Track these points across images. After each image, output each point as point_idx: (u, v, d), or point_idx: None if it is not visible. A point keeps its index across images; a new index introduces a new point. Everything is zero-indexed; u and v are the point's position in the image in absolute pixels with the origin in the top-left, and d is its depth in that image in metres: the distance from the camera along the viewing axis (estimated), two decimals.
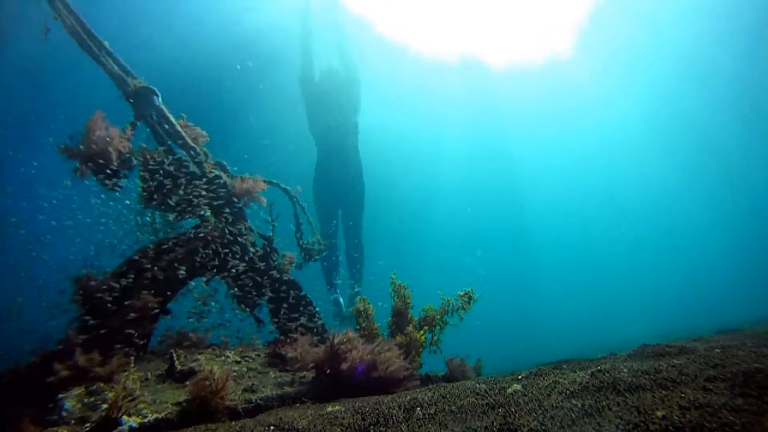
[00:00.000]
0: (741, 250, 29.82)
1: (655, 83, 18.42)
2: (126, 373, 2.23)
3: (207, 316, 3.62)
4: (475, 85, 18.29)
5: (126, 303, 2.99)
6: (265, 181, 3.87)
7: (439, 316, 3.40)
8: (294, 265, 3.92)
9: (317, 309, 3.92)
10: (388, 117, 19.44)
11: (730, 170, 23.51)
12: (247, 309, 3.73)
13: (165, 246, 3.36)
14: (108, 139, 3.16)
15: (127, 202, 3.46)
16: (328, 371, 2.71)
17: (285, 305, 3.75)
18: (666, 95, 19.01)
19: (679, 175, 24.85)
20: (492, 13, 14.81)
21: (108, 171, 3.21)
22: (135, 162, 3.40)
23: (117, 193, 3.37)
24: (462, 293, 3.37)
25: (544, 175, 25.35)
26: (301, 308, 3.79)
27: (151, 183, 3.41)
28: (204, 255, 3.47)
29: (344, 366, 2.66)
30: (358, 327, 3.33)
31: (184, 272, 3.35)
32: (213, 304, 3.66)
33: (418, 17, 15.09)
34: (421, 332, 3.33)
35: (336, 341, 2.75)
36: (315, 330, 3.72)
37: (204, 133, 3.74)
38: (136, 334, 2.96)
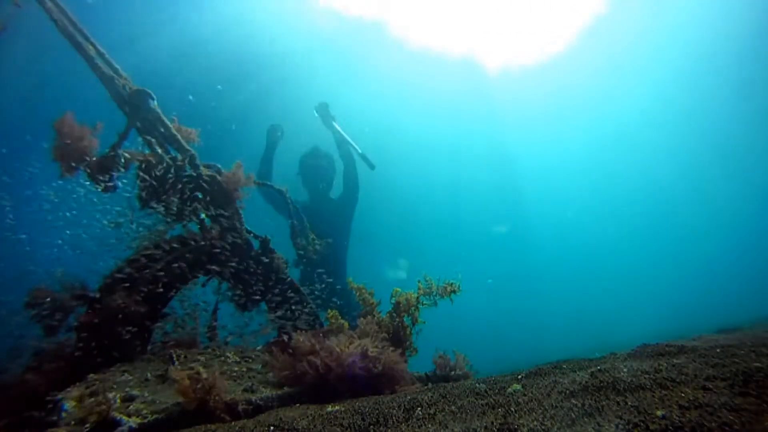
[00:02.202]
0: (741, 250, 29.83)
1: (657, 81, 18.37)
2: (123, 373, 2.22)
3: (204, 317, 3.62)
4: (476, 86, 18.32)
5: (123, 305, 2.99)
6: (256, 183, 3.86)
7: (415, 297, 3.23)
8: (288, 265, 3.92)
9: (315, 309, 3.92)
10: (389, 114, 19.46)
11: (730, 169, 23.52)
12: (245, 310, 3.73)
13: (161, 248, 3.36)
14: (77, 136, 3.18)
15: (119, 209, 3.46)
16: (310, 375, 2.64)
17: (282, 305, 3.75)
18: (667, 94, 18.99)
19: (679, 175, 24.86)
20: (491, 13, 14.81)
21: (96, 169, 3.24)
22: (125, 162, 3.41)
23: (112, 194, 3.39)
24: (447, 283, 3.22)
25: (543, 174, 25.37)
26: (298, 308, 3.79)
27: (147, 185, 3.41)
28: (201, 256, 3.47)
29: (317, 365, 2.58)
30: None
31: (180, 274, 3.34)
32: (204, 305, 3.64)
33: (419, 16, 15.10)
34: (385, 319, 3.20)
35: (298, 346, 2.70)
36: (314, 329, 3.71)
37: (195, 130, 3.73)
38: (133, 336, 2.96)
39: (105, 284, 3.12)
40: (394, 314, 3.24)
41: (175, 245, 3.41)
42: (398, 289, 3.26)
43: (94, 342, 2.83)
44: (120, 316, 2.94)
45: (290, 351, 2.79)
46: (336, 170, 6.96)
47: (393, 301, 3.27)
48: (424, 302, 3.25)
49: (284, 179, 6.99)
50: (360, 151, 6.64)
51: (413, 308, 3.23)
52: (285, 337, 3.27)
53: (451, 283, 3.23)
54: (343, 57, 16.37)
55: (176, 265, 3.33)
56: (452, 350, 3.52)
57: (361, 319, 3.15)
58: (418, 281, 3.26)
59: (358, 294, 3.33)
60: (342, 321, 3.19)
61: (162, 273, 3.24)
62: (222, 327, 3.74)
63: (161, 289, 3.23)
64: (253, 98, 16.55)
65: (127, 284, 3.10)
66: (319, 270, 5.07)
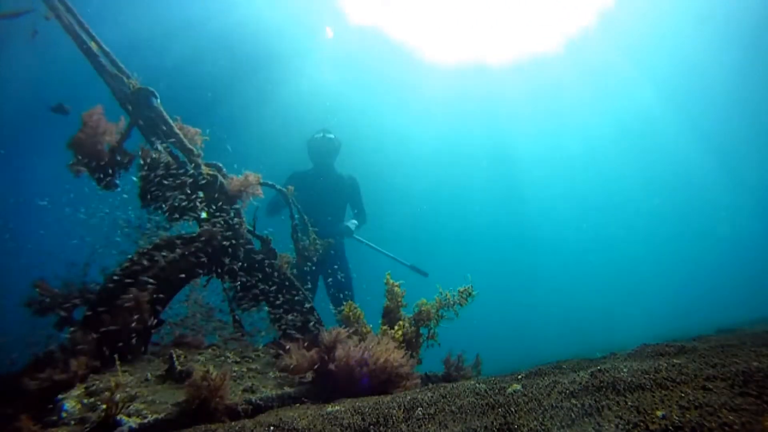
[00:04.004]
0: (741, 250, 29.83)
1: (660, 79, 18.33)
2: (121, 372, 2.22)
3: (206, 318, 3.62)
4: (476, 84, 18.32)
5: (123, 304, 2.98)
6: (262, 184, 3.87)
7: (434, 310, 3.34)
8: (290, 265, 3.93)
9: (315, 308, 3.92)
10: (390, 117, 19.51)
11: (730, 169, 23.53)
12: (246, 310, 3.73)
13: (162, 248, 3.36)
14: (100, 131, 3.18)
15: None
16: (323, 372, 2.70)
17: (284, 305, 3.75)
18: (670, 92, 18.96)
19: (679, 175, 24.87)
20: (491, 11, 14.78)
21: (100, 166, 3.23)
22: (130, 160, 3.42)
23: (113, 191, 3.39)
24: (462, 289, 3.32)
25: (544, 173, 25.37)
26: (299, 308, 3.79)
27: (149, 183, 3.41)
28: (202, 256, 3.47)
29: (334, 365, 2.64)
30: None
31: (181, 274, 3.34)
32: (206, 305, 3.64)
33: (417, 16, 15.09)
34: (404, 323, 3.29)
35: (326, 341, 2.75)
36: (312, 329, 3.71)
37: (199, 131, 3.73)
38: (134, 335, 2.96)
39: (107, 283, 3.12)
40: (413, 322, 3.36)
41: (177, 244, 3.41)
42: (424, 300, 3.40)
43: (96, 340, 2.83)
44: (122, 314, 2.94)
45: (308, 346, 2.86)
46: (341, 145, 7.25)
47: (416, 310, 3.39)
48: (444, 315, 3.36)
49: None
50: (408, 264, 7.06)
51: (432, 322, 3.35)
52: (299, 334, 3.34)
53: (465, 288, 3.33)
54: (340, 55, 16.36)
55: (182, 262, 3.32)
56: (476, 353, 3.67)
57: (384, 327, 3.26)
58: (436, 296, 3.36)
59: (389, 288, 3.41)
60: (359, 311, 3.26)
61: (163, 272, 3.23)
62: (226, 325, 3.73)
63: (162, 289, 3.22)
64: (254, 97, 16.63)
65: (130, 283, 3.10)
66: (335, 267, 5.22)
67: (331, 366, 2.65)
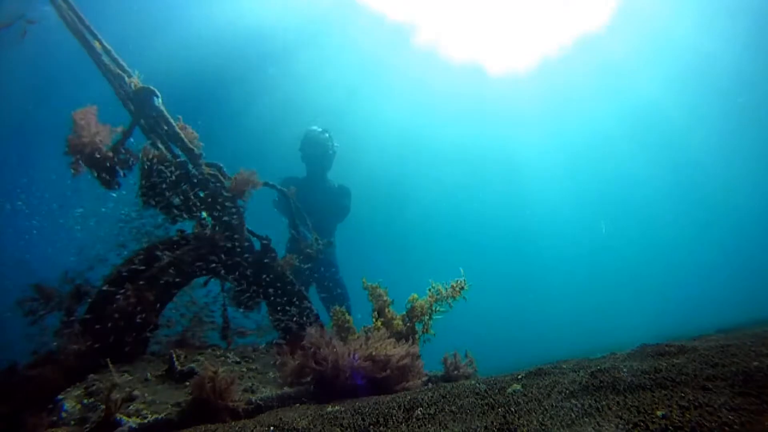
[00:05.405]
0: (741, 250, 29.83)
1: (658, 82, 18.40)
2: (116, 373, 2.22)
3: (206, 318, 3.61)
4: (481, 89, 18.41)
5: (124, 303, 2.98)
6: (261, 183, 3.88)
7: (428, 305, 3.29)
8: (291, 266, 3.93)
9: (315, 309, 3.92)
10: (396, 116, 19.52)
11: (729, 169, 23.54)
12: (247, 309, 3.73)
13: (162, 247, 3.36)
14: (93, 132, 3.16)
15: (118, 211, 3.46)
16: (309, 372, 2.67)
17: (283, 305, 3.75)
18: (668, 94, 19.01)
19: (678, 175, 24.87)
20: (495, 18, 14.81)
21: (100, 165, 3.23)
22: (132, 160, 3.42)
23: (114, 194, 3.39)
24: (454, 282, 3.26)
25: (544, 174, 25.38)
26: (297, 308, 3.79)
27: (151, 182, 3.41)
28: (202, 256, 3.46)
29: (319, 365, 2.61)
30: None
31: (181, 274, 3.34)
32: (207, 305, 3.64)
33: (430, 16, 15.07)
34: (397, 320, 3.24)
35: (311, 341, 2.72)
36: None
37: (196, 134, 3.73)
38: (133, 335, 2.96)
39: (106, 283, 3.12)
40: (407, 318, 3.31)
41: (176, 244, 3.41)
42: (415, 295, 3.33)
43: (97, 340, 2.83)
44: (123, 314, 2.94)
45: (302, 348, 2.83)
46: (336, 152, 7.14)
47: (408, 306, 3.33)
48: (438, 309, 3.30)
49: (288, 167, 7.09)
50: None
51: (426, 316, 3.28)
52: (294, 335, 3.30)
53: (458, 281, 3.27)
54: (355, 53, 16.33)
55: (177, 264, 3.32)
56: (465, 350, 3.58)
57: (376, 323, 3.20)
58: (429, 289, 3.30)
59: (371, 291, 3.37)
60: (348, 317, 3.23)
61: (163, 272, 3.23)
62: (216, 326, 3.72)
63: (159, 290, 3.22)
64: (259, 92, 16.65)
65: (128, 282, 3.10)
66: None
67: (313, 364, 2.60)
